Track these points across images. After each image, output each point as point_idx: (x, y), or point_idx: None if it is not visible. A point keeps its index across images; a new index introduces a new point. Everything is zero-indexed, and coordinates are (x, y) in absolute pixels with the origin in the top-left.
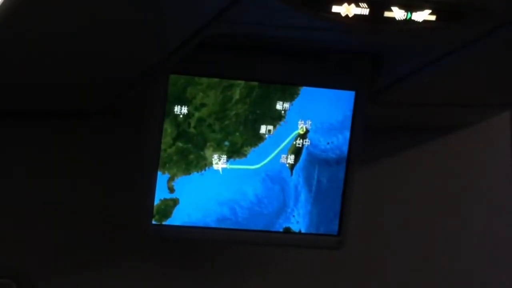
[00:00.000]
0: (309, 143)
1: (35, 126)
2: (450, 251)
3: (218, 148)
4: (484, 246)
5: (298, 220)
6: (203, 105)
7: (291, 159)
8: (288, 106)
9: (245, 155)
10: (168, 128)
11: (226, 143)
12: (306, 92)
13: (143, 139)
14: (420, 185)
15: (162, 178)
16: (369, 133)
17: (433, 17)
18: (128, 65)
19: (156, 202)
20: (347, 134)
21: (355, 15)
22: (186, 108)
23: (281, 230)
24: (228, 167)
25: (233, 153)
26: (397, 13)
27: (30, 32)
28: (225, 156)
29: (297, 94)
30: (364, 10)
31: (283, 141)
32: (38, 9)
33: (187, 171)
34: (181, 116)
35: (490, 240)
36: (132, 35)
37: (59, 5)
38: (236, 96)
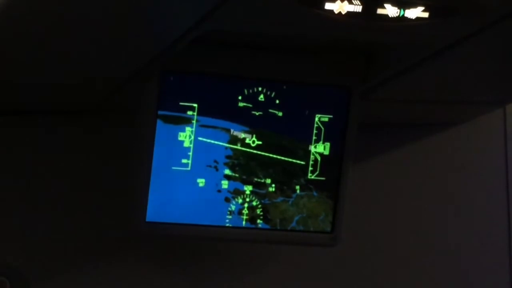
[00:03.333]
0: None
1: (29, 126)
2: (444, 247)
3: None
4: (477, 242)
5: None
6: None
7: None
8: None
9: None
10: None
11: None
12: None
13: (137, 137)
14: (413, 182)
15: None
16: (363, 130)
17: (426, 14)
18: (120, 63)
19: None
20: (341, 131)
21: (348, 12)
22: None
23: (274, 227)
24: None
25: None
26: (390, 10)
27: (23, 31)
28: None
29: None
30: (357, 7)
31: None
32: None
33: None
34: None
35: (484, 235)
36: (123, 34)
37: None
38: None
